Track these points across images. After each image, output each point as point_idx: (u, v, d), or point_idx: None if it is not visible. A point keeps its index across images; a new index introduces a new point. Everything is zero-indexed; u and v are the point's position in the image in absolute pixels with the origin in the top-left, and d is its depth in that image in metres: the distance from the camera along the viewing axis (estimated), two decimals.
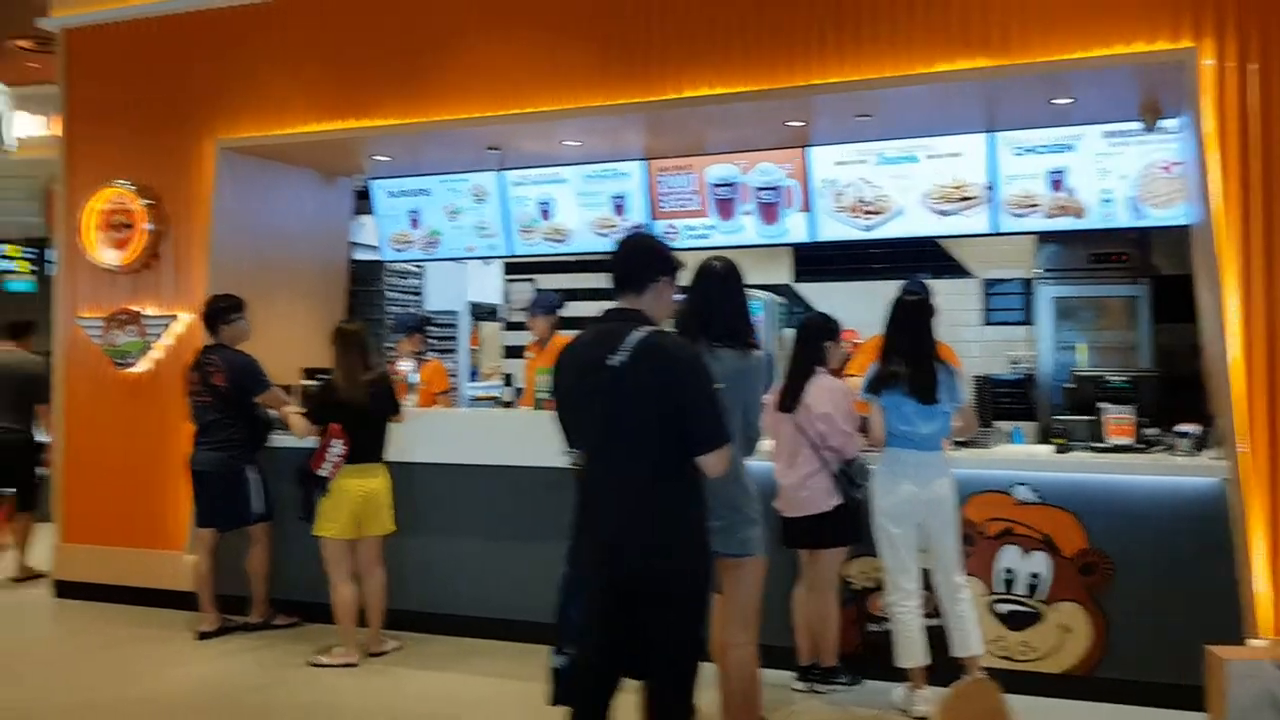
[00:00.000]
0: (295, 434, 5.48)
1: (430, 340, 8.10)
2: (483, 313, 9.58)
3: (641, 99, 5.59)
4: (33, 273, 18.28)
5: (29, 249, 18.46)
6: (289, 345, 6.79)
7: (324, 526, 5.28)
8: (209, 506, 5.81)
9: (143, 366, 6.60)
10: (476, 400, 8.53)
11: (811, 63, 5.26)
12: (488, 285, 9.45)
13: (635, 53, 5.59)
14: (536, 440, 5.40)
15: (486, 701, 4.83)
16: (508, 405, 6.90)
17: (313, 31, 6.35)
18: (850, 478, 4.69)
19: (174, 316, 6.57)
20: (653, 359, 2.95)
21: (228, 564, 5.91)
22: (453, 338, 8.79)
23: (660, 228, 6.59)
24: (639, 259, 3.19)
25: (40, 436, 7.29)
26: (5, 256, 18.51)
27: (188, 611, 6.04)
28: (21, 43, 9.92)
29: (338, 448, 5.22)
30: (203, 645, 5.66)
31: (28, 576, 7.23)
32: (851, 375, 5.34)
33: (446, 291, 8.90)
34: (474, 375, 9.33)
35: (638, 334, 2.97)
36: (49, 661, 5.56)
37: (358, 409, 5.27)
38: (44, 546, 7.02)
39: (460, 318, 9.05)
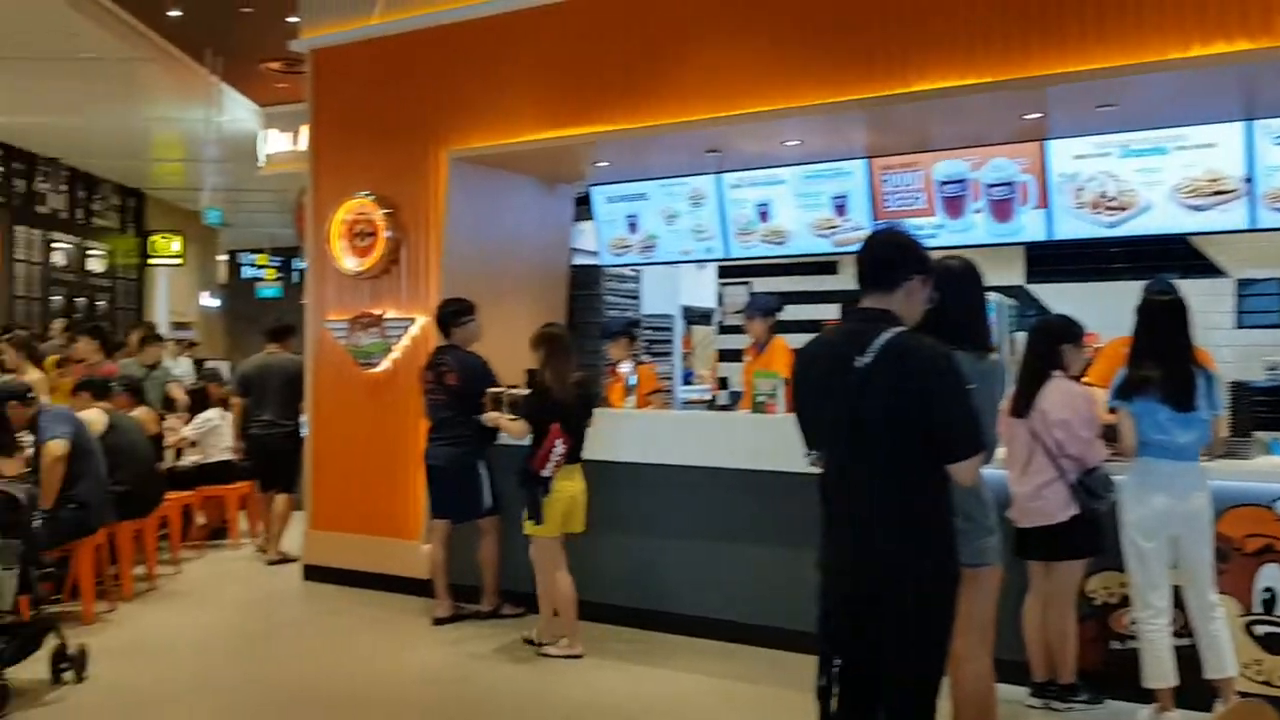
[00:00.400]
0: (513, 435, 5.61)
1: (643, 343, 8.22)
2: (696, 316, 9.64)
3: (866, 94, 5.49)
4: (279, 279, 19.81)
5: (276, 257, 20.00)
6: (513, 347, 7.03)
7: (544, 527, 5.42)
8: (442, 499, 6.09)
9: (383, 366, 7.00)
10: (689, 404, 8.60)
11: (1049, 51, 5.02)
12: (702, 289, 9.51)
13: (860, 47, 5.50)
14: (753, 443, 5.45)
15: (697, 698, 4.86)
16: (724, 409, 6.92)
17: (538, 43, 6.55)
18: (1089, 488, 4.45)
19: (411, 319, 6.92)
20: (902, 361, 2.84)
21: (460, 554, 6.19)
22: (668, 341, 8.88)
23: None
24: (890, 256, 3.05)
25: (303, 430, 7.83)
26: (256, 265, 20.13)
27: (423, 598, 6.36)
28: (272, 65, 10.72)
29: (560, 448, 5.34)
30: (437, 630, 5.94)
31: (280, 560, 7.79)
32: (1089, 383, 5.06)
33: (662, 295, 9.01)
34: (688, 379, 9.40)
35: (886, 334, 2.87)
36: (296, 640, 5.96)
37: (569, 410, 5.41)
38: (296, 532, 7.52)
39: (674, 321, 9.14)
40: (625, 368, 6.86)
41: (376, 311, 7.05)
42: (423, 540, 6.58)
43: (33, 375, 7.33)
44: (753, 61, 5.82)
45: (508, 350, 6.77)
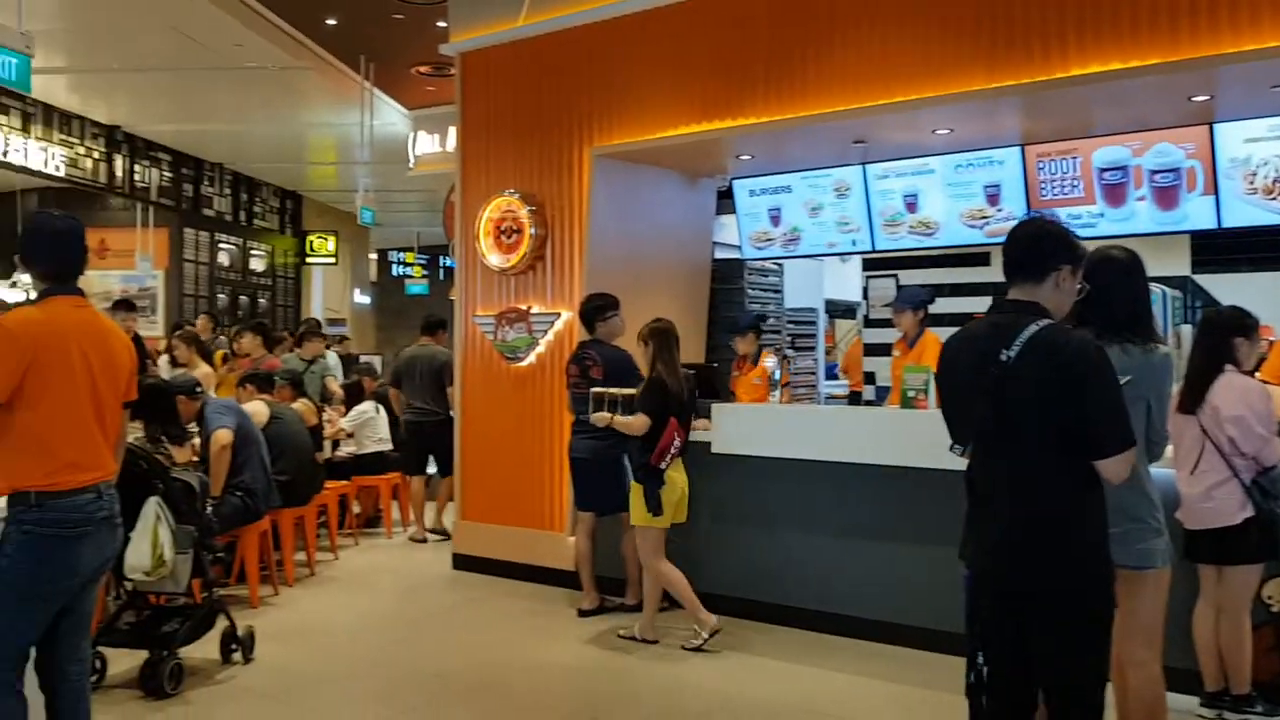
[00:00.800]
0: (632, 432, 5.59)
1: (771, 337, 8.15)
2: (839, 310, 9.50)
3: (1021, 80, 5.31)
4: (425, 277, 20.41)
5: (423, 255, 20.61)
6: None
7: (659, 517, 5.49)
8: (586, 491, 6.16)
9: (529, 360, 7.13)
10: (833, 398, 8.49)
11: (1220, 29, 4.76)
12: (846, 282, 9.37)
13: (1015, 31, 5.32)
14: (902, 440, 5.33)
15: (854, 698, 4.79)
16: (869, 404, 6.80)
17: (680, 38, 6.56)
18: (1265, 489, 4.20)
19: (556, 314, 7.03)
20: (1049, 354, 2.75)
21: (605, 547, 6.25)
22: (810, 335, 8.79)
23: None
24: (1038, 246, 2.96)
25: (453, 414, 8.07)
26: (404, 263, 20.78)
27: (569, 589, 6.45)
28: (422, 69, 11.03)
29: (677, 441, 5.45)
30: (583, 622, 6.02)
31: (438, 530, 8.21)
32: (1265, 380, 4.77)
33: (805, 289, 8.91)
34: (831, 373, 9.28)
35: (1033, 327, 2.78)
36: (446, 627, 6.12)
37: (683, 403, 5.51)
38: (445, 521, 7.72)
39: (817, 315, 9.03)
40: (770, 362, 6.81)
41: (522, 307, 7.18)
42: (568, 532, 6.68)
43: (203, 369, 7.74)
44: (901, 48, 5.69)
45: None
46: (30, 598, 3.15)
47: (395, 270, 20.53)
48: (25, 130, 11.56)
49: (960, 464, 3.00)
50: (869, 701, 4.76)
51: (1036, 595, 2.78)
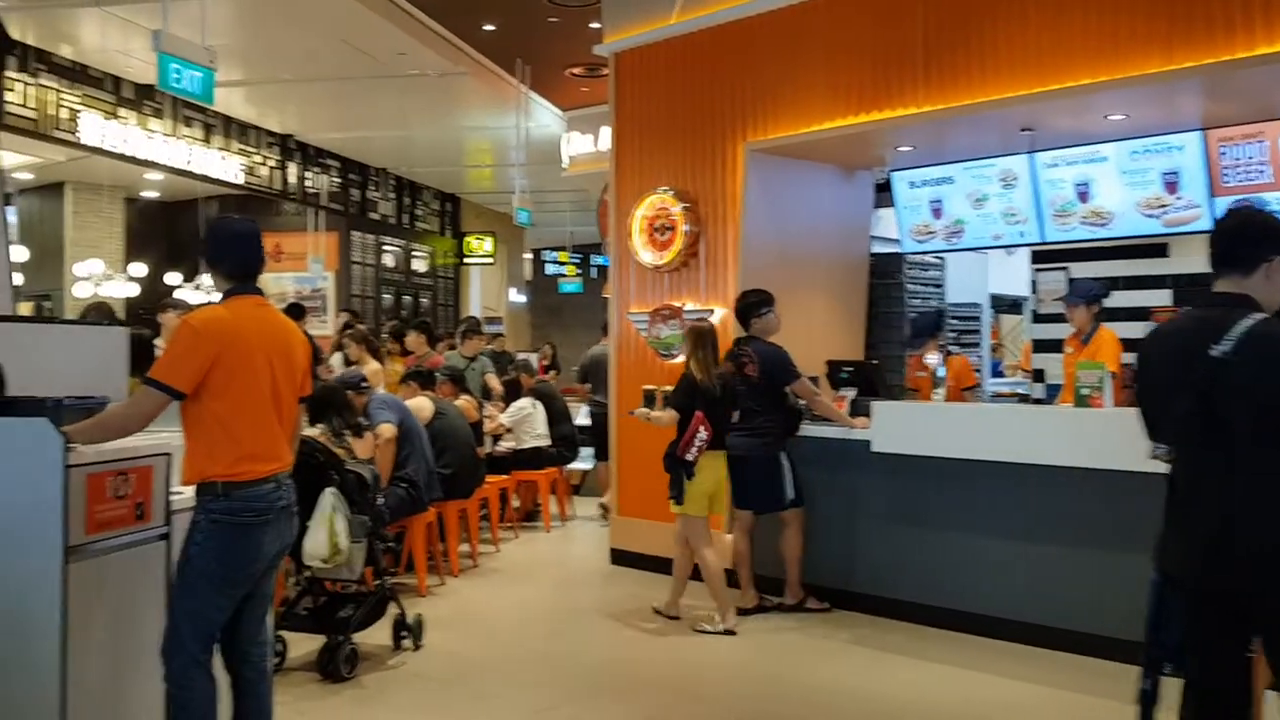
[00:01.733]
0: (661, 424, 5.89)
1: (950, 334, 7.94)
2: (1005, 305, 9.19)
3: (1202, 60, 5.02)
4: (578, 275, 20.71)
5: (576, 254, 20.91)
6: (811, 338, 7.00)
7: (690, 505, 5.77)
8: (745, 489, 6.13)
9: (683, 357, 7.11)
10: (998, 396, 8.21)
11: None
12: (1012, 275, 9.04)
13: (1195, 7, 5.04)
14: (1076, 439, 5.11)
15: (1029, 707, 4.63)
16: (1038, 402, 6.55)
17: (834, 29, 6.46)
18: None
19: (710, 311, 7.02)
20: (1266, 350, 2.60)
21: (764, 546, 6.21)
22: (975, 331, 8.52)
23: (1220, 205, 5.89)
24: (1247, 236, 2.80)
25: None
26: (558, 262, 21.13)
27: (727, 588, 6.43)
28: (575, 70, 11.18)
29: (703, 434, 5.68)
30: (741, 620, 5.98)
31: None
32: None
33: (968, 283, 8.65)
34: (996, 370, 8.98)
35: (1248, 321, 2.62)
36: (604, 621, 6.19)
37: (712, 399, 5.74)
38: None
39: (981, 310, 8.75)
40: (932, 359, 6.64)
41: (676, 303, 7.20)
42: (725, 530, 6.66)
43: (372, 366, 8.03)
44: (1070, 30, 5.46)
45: (807, 340, 6.75)
46: (219, 583, 3.31)
47: (549, 269, 20.88)
48: (207, 141, 12.24)
49: (1136, 465, 2.86)
50: (1042, 712, 4.58)
51: (1254, 599, 2.64)
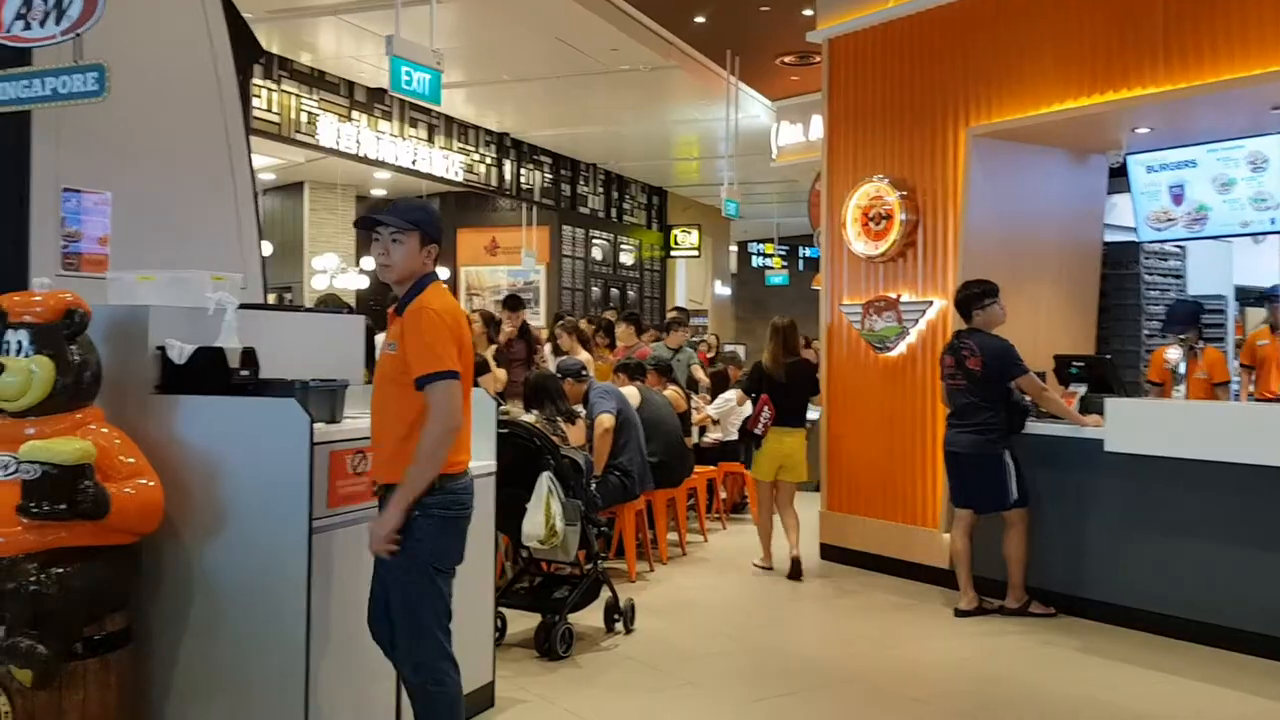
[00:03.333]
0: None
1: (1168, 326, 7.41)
2: (1252, 298, 8.50)
3: None
4: (785, 267, 20.55)
5: (782, 246, 20.77)
6: (1038, 331, 6.68)
7: (757, 471, 6.94)
8: (964, 488, 5.91)
9: (899, 350, 6.95)
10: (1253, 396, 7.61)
11: None
12: (1261, 265, 8.35)
13: None
14: None
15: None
16: None
17: (1064, 6, 6.12)
18: None
19: (929, 302, 6.80)
20: None
21: (985, 546, 5.96)
22: (1219, 325, 7.92)
23: None
24: None
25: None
26: (764, 254, 21.05)
27: (942, 588, 6.24)
28: (785, 59, 11.07)
29: (767, 413, 6.74)
30: (960, 623, 5.78)
31: None
32: None
33: (1211, 274, 8.05)
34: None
35: None
36: (813, 615, 6.11)
37: (778, 384, 6.77)
38: (810, 514, 7.67)
39: (1226, 303, 8.12)
40: (1173, 354, 6.21)
41: (892, 295, 7.01)
42: (942, 529, 6.45)
43: (583, 356, 8.20)
44: None
45: (1032, 334, 6.45)
46: (442, 574, 3.27)
47: (755, 261, 20.84)
48: (430, 141, 12.82)
49: None
50: None
51: None
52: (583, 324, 9.23)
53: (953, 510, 6.08)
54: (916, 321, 6.84)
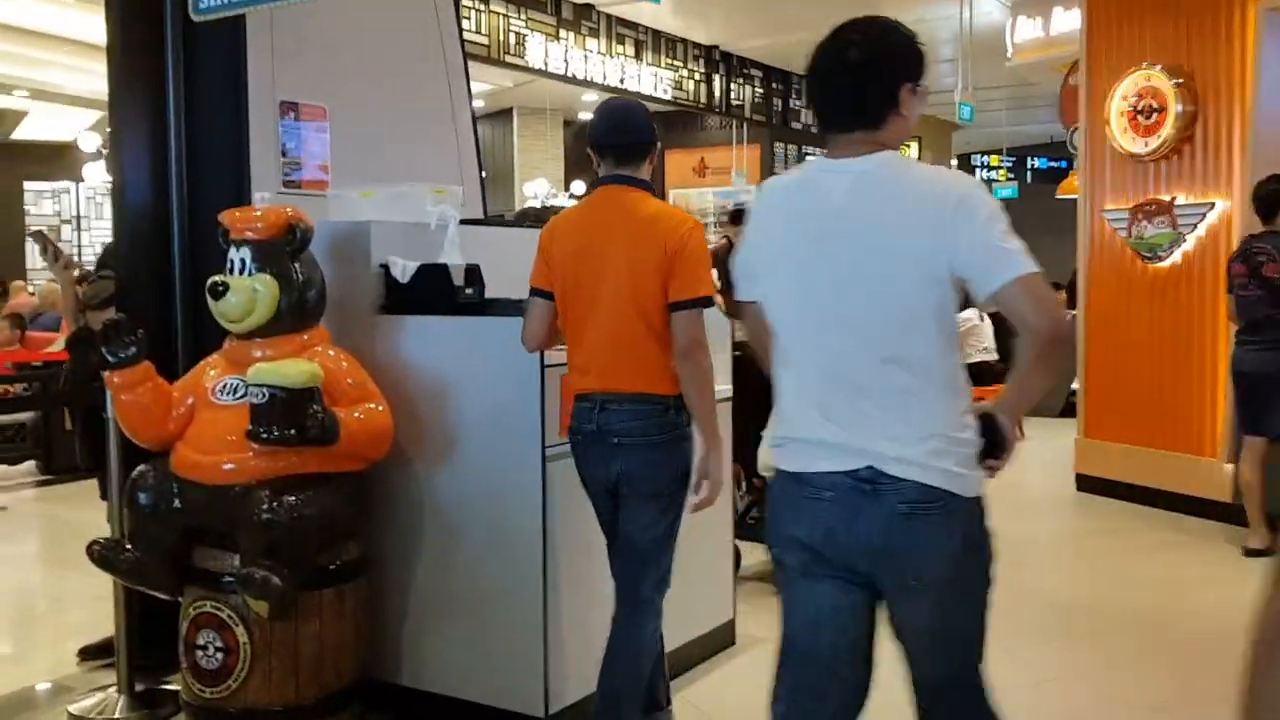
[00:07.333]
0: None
1: None
2: None
3: None
4: (1011, 179, 19.26)
5: (1008, 157, 19.46)
6: None
7: None
8: (1257, 413, 5.17)
9: (1172, 259, 6.16)
10: None
11: None
12: None
13: None
14: None
15: None
16: None
17: None
18: None
19: (1209, 205, 5.97)
20: None
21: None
22: None
23: None
24: None
25: None
26: (989, 166, 19.80)
27: (1223, 523, 5.54)
28: None
29: None
30: (1249, 562, 5.08)
31: None
32: None
33: None
34: None
35: None
36: (1075, 553, 5.58)
37: None
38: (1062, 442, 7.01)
39: None
40: None
41: (1164, 198, 6.21)
42: (1223, 458, 5.71)
43: None
44: None
45: None
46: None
47: (978, 174, 19.62)
48: (638, 57, 12.45)
49: None
50: None
51: None
52: None
53: (1239, 438, 5.35)
54: (1194, 227, 6.03)
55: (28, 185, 13.74)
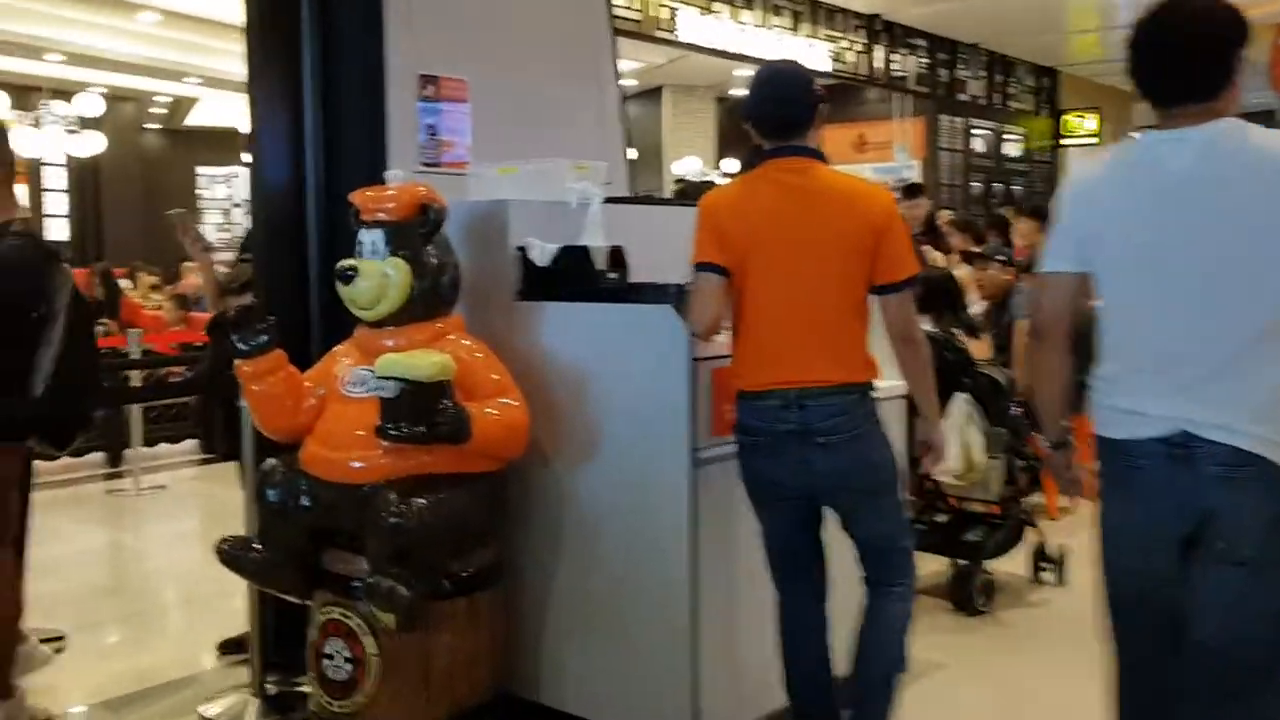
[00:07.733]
0: None
1: None
2: None
3: None
4: None
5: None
6: None
7: None
8: None
9: None
10: None
11: None
12: None
13: None
14: None
15: None
16: None
17: None
18: None
19: None
20: None
21: None
22: None
23: None
24: None
25: None
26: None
27: None
28: None
29: None
30: None
31: None
32: None
33: None
34: None
35: None
36: None
37: None
38: None
39: None
40: None
41: None
42: None
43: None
44: None
45: None
46: (753, 505, 2.92)
47: None
48: (795, 29, 11.96)
49: None
50: None
51: None
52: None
53: None
54: None
55: (200, 170, 14.23)
